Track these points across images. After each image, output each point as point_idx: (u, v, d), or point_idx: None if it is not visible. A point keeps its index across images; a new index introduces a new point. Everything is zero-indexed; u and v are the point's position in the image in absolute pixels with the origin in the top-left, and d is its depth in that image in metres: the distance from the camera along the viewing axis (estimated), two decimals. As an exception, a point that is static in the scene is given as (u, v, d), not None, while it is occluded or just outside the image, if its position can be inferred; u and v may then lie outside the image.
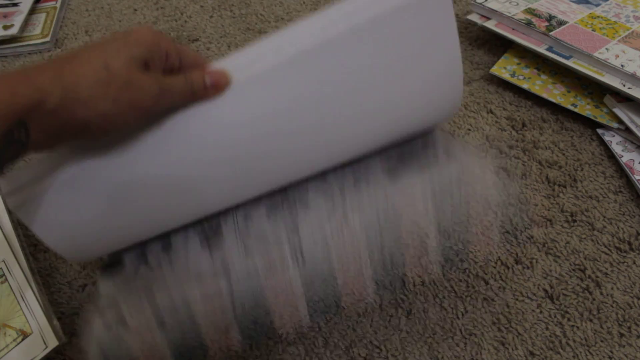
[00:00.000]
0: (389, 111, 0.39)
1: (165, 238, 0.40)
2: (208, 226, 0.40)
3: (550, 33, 0.58)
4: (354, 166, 0.41)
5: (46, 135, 0.28)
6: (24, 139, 0.27)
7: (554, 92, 0.57)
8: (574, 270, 0.44)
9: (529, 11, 0.62)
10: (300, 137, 0.37)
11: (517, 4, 0.63)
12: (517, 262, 0.44)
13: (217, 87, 0.34)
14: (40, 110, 0.26)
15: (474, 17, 0.63)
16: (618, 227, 0.47)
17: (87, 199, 0.34)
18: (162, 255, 0.39)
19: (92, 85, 0.28)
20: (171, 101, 0.32)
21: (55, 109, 0.27)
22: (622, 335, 0.40)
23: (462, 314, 0.41)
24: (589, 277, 0.43)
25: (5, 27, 0.64)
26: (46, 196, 0.33)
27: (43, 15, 0.68)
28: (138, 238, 0.40)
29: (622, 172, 0.51)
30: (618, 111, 0.53)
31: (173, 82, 0.31)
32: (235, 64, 0.35)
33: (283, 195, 0.41)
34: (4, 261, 0.41)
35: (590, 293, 0.42)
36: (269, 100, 0.35)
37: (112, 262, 0.39)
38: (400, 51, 0.37)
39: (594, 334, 0.40)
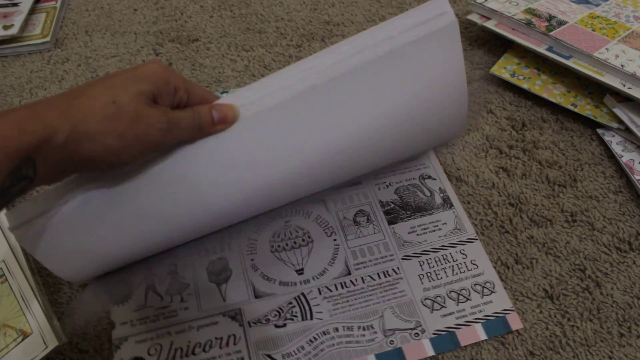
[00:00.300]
0: (395, 140, 0.40)
1: (171, 265, 0.41)
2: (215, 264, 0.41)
3: (550, 33, 0.58)
4: None
5: (53, 169, 0.28)
6: (31, 174, 0.27)
7: (554, 92, 0.57)
8: (574, 270, 0.44)
9: (529, 11, 0.62)
10: (304, 169, 0.38)
11: (517, 4, 0.63)
12: (517, 262, 0.44)
13: (224, 121, 0.33)
14: (48, 146, 0.26)
15: (474, 17, 0.63)
16: (618, 227, 0.47)
17: (89, 228, 0.35)
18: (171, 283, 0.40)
19: (100, 120, 0.28)
20: (178, 135, 0.32)
21: (63, 145, 0.27)
22: (622, 335, 0.40)
23: (462, 314, 0.41)
24: (589, 277, 0.43)
25: (5, 27, 0.64)
26: (49, 228, 0.34)
27: (43, 15, 0.68)
28: (139, 257, 0.41)
29: (622, 172, 0.51)
30: (618, 111, 0.53)
31: (181, 116, 0.31)
32: (243, 100, 0.35)
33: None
34: (4, 261, 0.41)
35: (590, 293, 0.42)
36: (276, 135, 0.35)
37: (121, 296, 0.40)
38: (408, 83, 0.37)
39: (594, 334, 0.40)
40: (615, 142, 0.53)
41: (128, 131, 0.28)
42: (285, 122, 0.35)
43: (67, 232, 0.34)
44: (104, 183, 0.34)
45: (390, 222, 0.46)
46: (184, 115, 0.32)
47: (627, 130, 0.53)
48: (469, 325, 0.40)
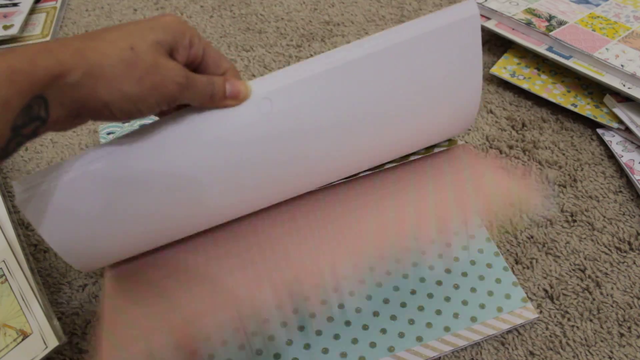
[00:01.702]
0: (410, 128, 0.40)
1: None
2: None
3: (550, 33, 0.58)
4: None
5: (66, 112, 0.27)
6: (43, 115, 0.26)
7: (554, 92, 0.57)
8: (574, 270, 0.44)
9: (529, 11, 0.62)
10: (316, 152, 0.37)
11: (517, 4, 0.63)
12: (517, 262, 0.44)
13: (236, 97, 0.33)
14: (61, 85, 0.25)
15: (474, 17, 0.63)
16: (618, 227, 0.47)
17: (93, 198, 0.34)
18: None
19: (117, 64, 0.27)
20: (192, 96, 0.31)
21: (77, 85, 0.26)
22: (622, 335, 0.40)
23: (462, 314, 0.41)
24: (589, 277, 0.43)
25: (6, 27, 0.64)
26: (52, 195, 0.33)
27: (43, 15, 0.68)
28: (143, 245, 0.40)
29: (622, 172, 0.51)
30: (618, 111, 0.53)
31: (197, 78, 0.31)
32: (260, 82, 0.35)
33: None
34: (4, 261, 0.41)
35: (590, 293, 0.42)
36: (288, 115, 0.35)
37: None
38: (425, 72, 0.37)
39: (594, 334, 0.40)
40: (615, 142, 0.53)
41: (145, 79, 0.28)
42: (299, 101, 0.35)
43: (68, 201, 0.33)
44: (107, 150, 0.33)
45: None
46: (200, 79, 0.31)
47: (627, 130, 0.53)
48: None
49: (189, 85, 0.30)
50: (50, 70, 0.25)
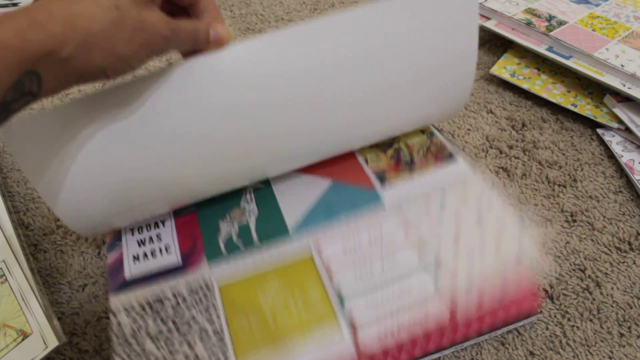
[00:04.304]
0: (402, 92, 0.39)
1: None
2: None
3: (550, 33, 0.58)
4: None
5: (59, 83, 0.26)
6: (35, 90, 0.25)
7: (554, 92, 0.57)
8: (574, 270, 0.44)
9: (529, 11, 0.62)
10: (307, 106, 0.37)
11: (517, 4, 0.63)
12: (517, 262, 0.44)
13: (219, 42, 0.34)
14: (53, 59, 0.25)
15: (474, 17, 0.63)
16: (618, 227, 0.47)
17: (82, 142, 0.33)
18: None
19: (107, 27, 0.26)
20: (177, 45, 0.32)
21: (71, 58, 0.25)
22: (622, 335, 0.40)
23: (462, 314, 0.41)
24: (589, 277, 0.43)
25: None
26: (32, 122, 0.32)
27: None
28: (142, 206, 0.39)
29: (622, 172, 0.51)
30: (618, 111, 0.53)
31: (181, 26, 0.31)
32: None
33: None
34: (4, 261, 0.41)
35: (590, 293, 0.42)
36: (277, 62, 0.35)
37: None
38: (419, 31, 0.37)
39: (594, 334, 0.40)
40: (615, 142, 0.53)
41: (135, 38, 0.27)
42: (288, 50, 0.35)
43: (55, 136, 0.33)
44: (99, 102, 0.33)
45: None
46: (185, 28, 0.31)
47: (627, 130, 0.53)
48: None
49: (174, 36, 0.30)
50: (42, 46, 0.24)
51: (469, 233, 0.41)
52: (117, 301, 0.39)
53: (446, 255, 0.40)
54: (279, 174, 0.44)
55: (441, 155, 0.47)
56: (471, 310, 0.37)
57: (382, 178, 0.45)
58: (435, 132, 0.50)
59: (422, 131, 0.49)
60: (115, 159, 0.34)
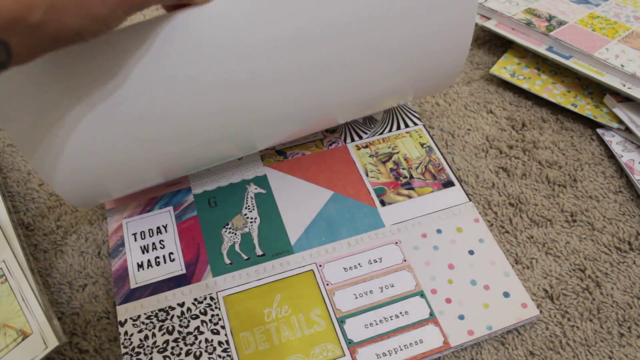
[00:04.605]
0: (396, 56, 0.38)
1: None
2: None
3: (550, 33, 0.58)
4: None
5: (31, 50, 0.24)
6: (4, 59, 0.23)
7: (554, 92, 0.57)
8: (574, 270, 0.44)
9: (529, 11, 0.62)
10: (299, 71, 0.35)
11: (517, 4, 0.63)
12: (517, 262, 0.44)
13: None
14: (22, 26, 0.23)
15: (474, 17, 0.63)
16: (618, 227, 0.46)
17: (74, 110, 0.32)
18: None
19: None
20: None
21: (41, 23, 0.23)
22: (622, 335, 0.40)
23: (462, 314, 0.41)
24: (589, 277, 0.43)
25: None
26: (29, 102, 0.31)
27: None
28: (141, 173, 0.38)
29: (622, 172, 0.51)
30: (618, 111, 0.53)
31: None
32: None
33: None
34: (4, 261, 0.41)
35: (590, 293, 0.42)
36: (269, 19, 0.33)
37: None
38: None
39: (594, 334, 0.40)
40: (615, 142, 0.53)
41: None
42: (280, 10, 0.33)
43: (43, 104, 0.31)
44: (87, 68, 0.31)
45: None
46: None
47: (627, 130, 0.53)
48: None
49: None
50: (7, 12, 0.22)
51: (461, 261, 0.42)
52: (123, 311, 0.39)
53: (441, 281, 0.41)
54: (267, 144, 0.42)
55: (439, 176, 0.48)
56: (463, 336, 0.39)
57: (381, 195, 0.46)
58: (434, 147, 0.50)
59: (421, 144, 0.50)
60: (102, 125, 0.33)
